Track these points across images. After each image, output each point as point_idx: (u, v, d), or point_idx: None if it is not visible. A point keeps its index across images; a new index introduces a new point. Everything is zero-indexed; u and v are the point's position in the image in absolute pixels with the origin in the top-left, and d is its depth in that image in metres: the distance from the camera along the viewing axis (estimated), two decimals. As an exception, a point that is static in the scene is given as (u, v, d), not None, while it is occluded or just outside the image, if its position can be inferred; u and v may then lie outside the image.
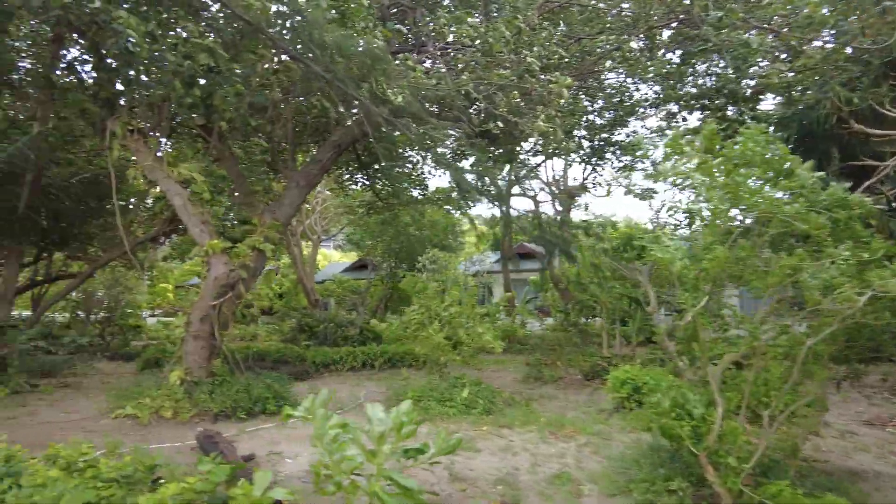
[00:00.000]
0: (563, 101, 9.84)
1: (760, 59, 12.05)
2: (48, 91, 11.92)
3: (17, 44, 12.10)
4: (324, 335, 20.08)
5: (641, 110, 17.49)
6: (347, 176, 21.31)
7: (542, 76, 11.13)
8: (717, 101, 14.44)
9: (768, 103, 14.72)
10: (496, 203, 14.01)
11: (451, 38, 11.58)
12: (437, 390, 9.46)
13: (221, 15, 9.71)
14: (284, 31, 9.39)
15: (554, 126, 9.68)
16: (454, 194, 23.77)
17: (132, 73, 8.53)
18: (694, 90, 15.15)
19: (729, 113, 14.16)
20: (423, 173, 20.93)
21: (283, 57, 10.60)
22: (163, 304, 49.70)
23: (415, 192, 23.14)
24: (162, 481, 4.64)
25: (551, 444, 7.78)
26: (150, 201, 21.75)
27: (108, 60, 9.36)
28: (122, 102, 9.63)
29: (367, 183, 20.42)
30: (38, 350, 13.17)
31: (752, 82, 13.07)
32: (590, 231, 13.59)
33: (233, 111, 9.37)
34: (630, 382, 9.32)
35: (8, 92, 12.44)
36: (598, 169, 21.00)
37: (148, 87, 8.59)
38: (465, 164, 17.23)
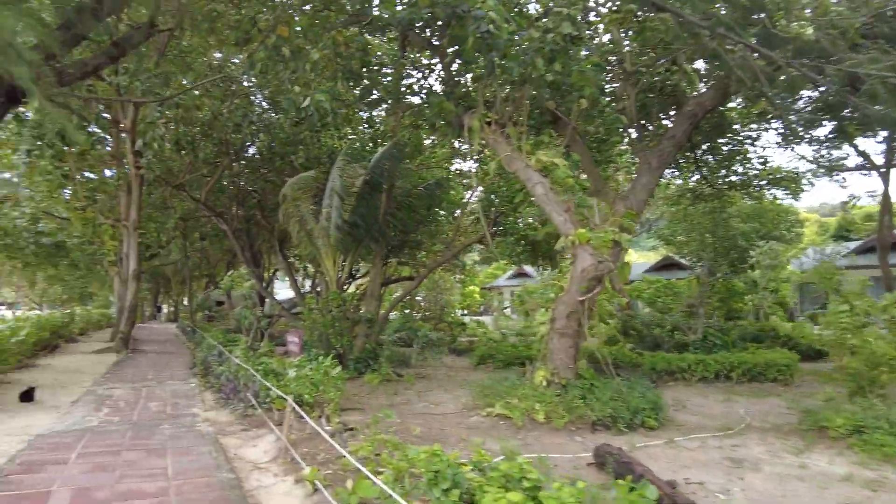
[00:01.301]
0: None
1: None
2: (400, 101, 12.83)
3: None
4: (654, 339, 18.30)
5: None
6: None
7: None
8: None
9: None
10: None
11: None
12: (882, 420, 6.93)
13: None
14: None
15: None
16: (804, 171, 19.62)
17: (492, 57, 8.11)
18: None
19: None
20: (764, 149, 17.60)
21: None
22: (471, 304, 53.81)
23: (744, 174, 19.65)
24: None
25: None
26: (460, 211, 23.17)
27: (460, 56, 9.33)
28: (473, 95, 9.47)
29: (697, 166, 17.89)
30: (400, 343, 14.39)
31: None
32: None
33: (591, 86, 8.36)
34: None
35: (367, 109, 13.96)
36: None
37: (507, 71, 8.13)
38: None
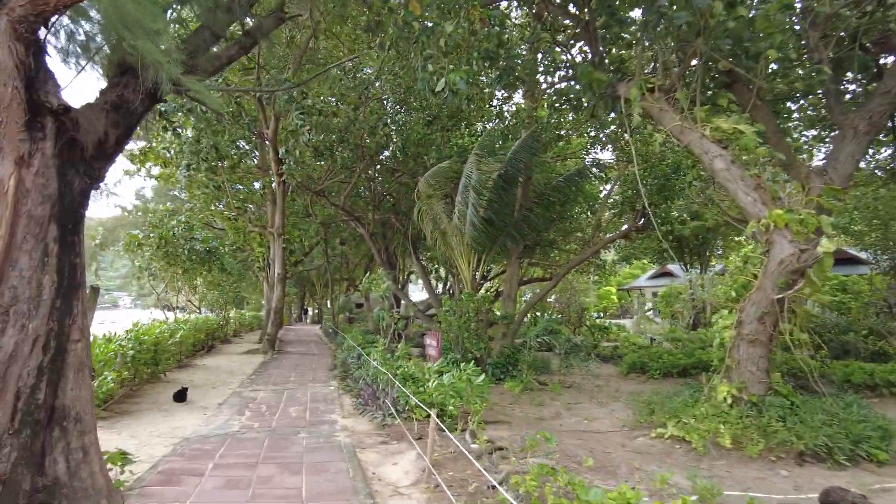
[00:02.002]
0: None
1: None
2: (538, 82, 11.74)
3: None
4: (841, 345, 15.49)
5: None
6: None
7: None
8: None
9: None
10: None
11: None
12: None
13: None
14: None
15: None
16: None
17: (659, 6, 6.78)
18: None
19: None
20: None
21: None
22: (608, 306, 50.82)
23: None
24: None
25: None
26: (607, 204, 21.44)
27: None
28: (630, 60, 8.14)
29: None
30: (541, 348, 13.26)
31: None
32: None
33: (781, 34, 6.73)
34: None
35: (505, 92, 13.08)
36: None
37: (676, 23, 6.76)
38: None
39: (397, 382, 8.31)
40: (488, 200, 13.14)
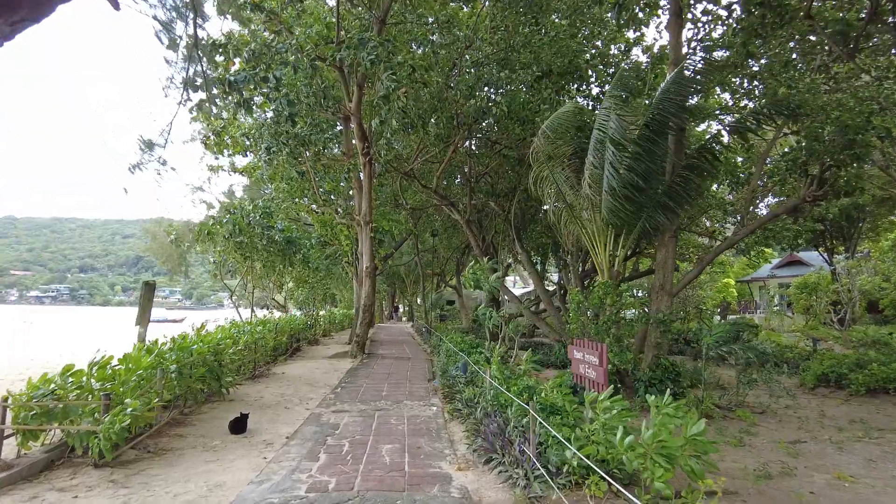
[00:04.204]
0: None
1: None
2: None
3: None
4: None
5: None
6: None
7: None
8: None
9: None
10: None
11: None
12: None
13: None
14: None
15: None
16: None
17: None
18: None
19: None
20: None
21: None
22: (727, 301, 44.94)
23: None
24: None
25: None
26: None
27: None
28: None
29: None
30: (721, 357, 9.68)
31: None
32: None
33: None
34: None
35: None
36: None
37: None
38: None
39: (543, 423, 5.30)
40: (632, 158, 9.76)
